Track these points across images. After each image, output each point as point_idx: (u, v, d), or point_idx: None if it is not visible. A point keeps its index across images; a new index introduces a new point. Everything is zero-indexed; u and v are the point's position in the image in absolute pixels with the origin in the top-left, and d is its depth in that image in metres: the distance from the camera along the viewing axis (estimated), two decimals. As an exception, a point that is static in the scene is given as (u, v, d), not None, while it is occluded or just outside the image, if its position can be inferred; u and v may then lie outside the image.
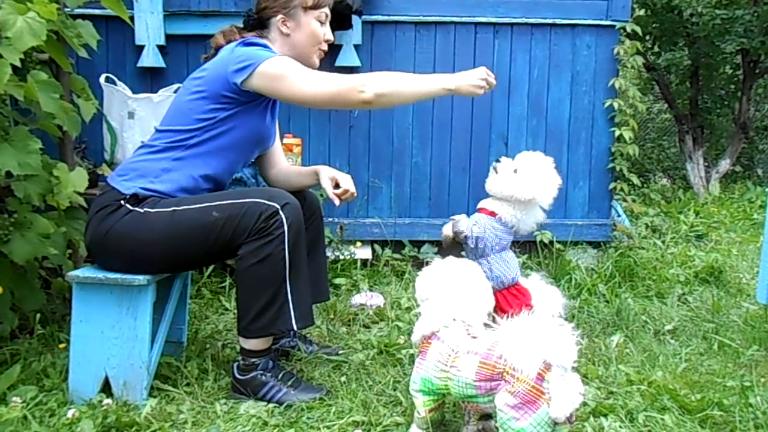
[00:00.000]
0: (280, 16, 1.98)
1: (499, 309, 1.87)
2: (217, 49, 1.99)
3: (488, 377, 1.40)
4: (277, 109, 2.13)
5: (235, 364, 1.89)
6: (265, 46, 1.93)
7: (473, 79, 1.84)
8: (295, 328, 1.82)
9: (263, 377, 1.86)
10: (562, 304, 1.93)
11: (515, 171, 1.94)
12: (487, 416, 1.62)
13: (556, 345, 1.30)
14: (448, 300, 1.58)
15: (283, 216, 1.77)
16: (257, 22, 2.03)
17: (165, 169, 1.88)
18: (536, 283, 1.98)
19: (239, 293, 1.84)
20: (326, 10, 2.03)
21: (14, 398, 1.74)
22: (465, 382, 1.44)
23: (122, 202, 1.85)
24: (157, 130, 1.96)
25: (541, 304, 1.91)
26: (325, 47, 2.07)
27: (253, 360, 1.86)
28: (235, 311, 1.88)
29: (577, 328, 2.46)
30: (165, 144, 1.90)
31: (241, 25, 2.06)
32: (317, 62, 2.07)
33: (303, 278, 1.85)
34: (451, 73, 1.85)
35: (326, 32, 2.05)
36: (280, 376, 1.87)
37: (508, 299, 1.93)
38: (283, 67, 1.84)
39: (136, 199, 1.85)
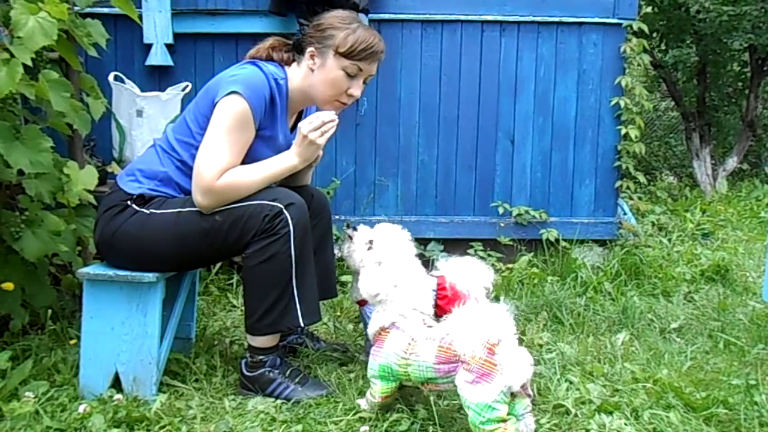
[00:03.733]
0: (312, 48, 1.88)
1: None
2: None
3: (447, 360, 1.54)
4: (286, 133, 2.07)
5: (243, 361, 1.91)
6: (268, 79, 1.84)
7: (303, 143, 1.83)
8: (301, 324, 1.84)
9: (271, 374, 1.88)
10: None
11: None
12: None
13: (492, 322, 1.48)
14: (405, 293, 1.71)
15: (287, 215, 1.79)
16: (298, 44, 1.95)
17: (169, 172, 1.89)
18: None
19: (246, 291, 1.85)
20: (363, 65, 1.86)
21: (26, 393, 1.76)
22: (425, 366, 1.59)
23: (129, 202, 1.87)
24: (165, 133, 1.97)
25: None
26: (345, 100, 1.92)
27: (260, 357, 1.88)
28: (243, 308, 1.90)
29: (582, 326, 2.48)
30: (171, 148, 1.90)
31: (284, 39, 2.00)
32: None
33: (309, 275, 1.87)
34: (289, 150, 1.88)
35: (352, 87, 1.89)
36: (288, 372, 1.89)
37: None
38: (228, 118, 1.76)
39: (143, 200, 1.87)
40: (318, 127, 1.82)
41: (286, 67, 1.95)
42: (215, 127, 1.78)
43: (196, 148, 1.84)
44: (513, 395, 1.49)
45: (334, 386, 1.93)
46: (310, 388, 1.88)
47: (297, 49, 1.95)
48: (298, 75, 1.93)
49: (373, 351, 1.73)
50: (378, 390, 1.70)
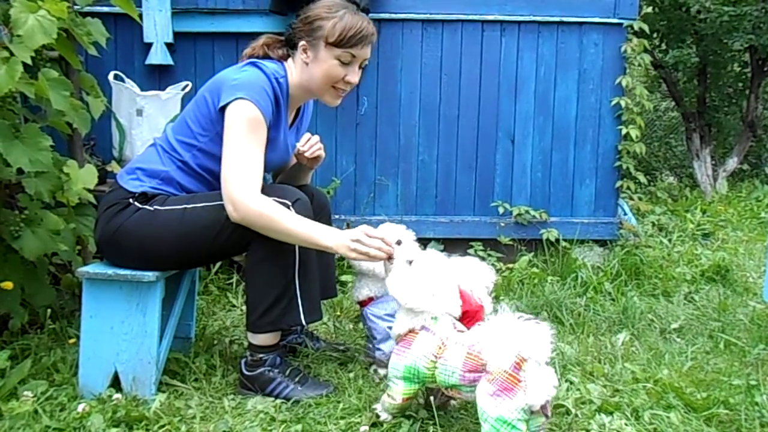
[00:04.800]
0: (303, 42, 1.88)
1: None
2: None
3: (474, 368, 1.48)
4: (294, 134, 2.07)
5: (243, 360, 1.91)
6: (270, 80, 1.83)
7: (350, 250, 1.70)
8: (303, 323, 1.84)
9: (271, 373, 1.87)
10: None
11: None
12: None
13: (531, 340, 1.40)
14: (442, 300, 1.64)
15: (293, 212, 1.78)
16: (289, 40, 1.94)
17: (170, 172, 1.88)
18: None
19: (248, 288, 1.85)
20: (354, 51, 1.85)
21: (25, 392, 1.75)
22: (452, 371, 1.53)
23: (131, 200, 1.86)
24: (165, 132, 1.96)
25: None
26: (343, 87, 1.91)
27: (260, 356, 1.88)
28: (242, 308, 1.90)
29: (582, 326, 2.48)
30: (172, 149, 1.90)
31: (277, 36, 2.00)
32: (332, 102, 1.94)
33: (312, 273, 1.87)
34: (339, 235, 1.73)
35: (348, 74, 1.88)
36: (288, 372, 1.89)
37: None
38: (242, 123, 1.75)
39: (145, 197, 1.86)
40: (368, 254, 1.71)
41: (284, 63, 1.95)
42: (232, 136, 1.76)
43: (198, 149, 1.84)
44: (531, 412, 1.43)
45: (334, 386, 1.92)
46: (309, 387, 1.87)
47: (289, 45, 1.94)
48: (295, 70, 1.93)
49: (397, 350, 1.65)
50: (400, 391, 1.63)
